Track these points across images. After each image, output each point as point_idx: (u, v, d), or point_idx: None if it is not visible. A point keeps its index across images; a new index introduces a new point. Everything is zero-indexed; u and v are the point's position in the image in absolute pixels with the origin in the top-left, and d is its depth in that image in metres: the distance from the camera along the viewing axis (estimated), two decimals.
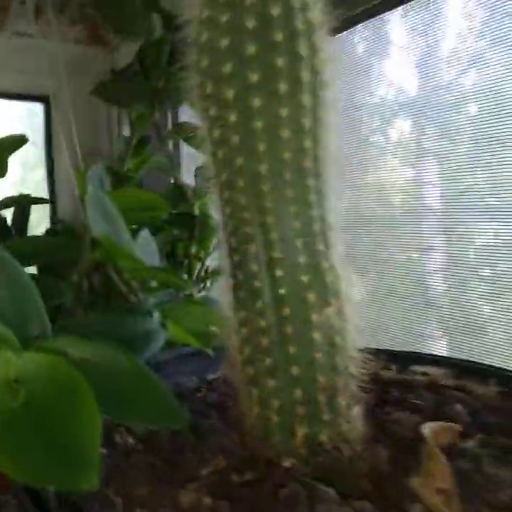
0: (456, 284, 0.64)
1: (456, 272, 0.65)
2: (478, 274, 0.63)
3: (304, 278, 0.28)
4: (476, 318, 0.62)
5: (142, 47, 0.83)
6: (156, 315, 0.43)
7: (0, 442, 0.23)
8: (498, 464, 0.29)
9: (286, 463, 0.29)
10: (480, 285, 0.62)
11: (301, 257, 0.28)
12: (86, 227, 0.51)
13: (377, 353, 0.45)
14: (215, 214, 0.32)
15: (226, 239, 0.29)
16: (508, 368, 0.40)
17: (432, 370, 0.42)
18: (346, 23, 0.72)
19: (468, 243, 0.64)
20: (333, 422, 0.29)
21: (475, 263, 0.63)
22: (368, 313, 0.76)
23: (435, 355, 0.44)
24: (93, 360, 0.28)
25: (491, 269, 0.61)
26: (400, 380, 0.42)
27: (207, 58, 0.27)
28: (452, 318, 0.65)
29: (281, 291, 0.28)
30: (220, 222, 0.30)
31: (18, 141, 0.77)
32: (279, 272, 0.28)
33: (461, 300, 0.64)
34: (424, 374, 0.42)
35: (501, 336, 0.58)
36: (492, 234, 0.61)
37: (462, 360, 0.42)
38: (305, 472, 0.28)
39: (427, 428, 0.30)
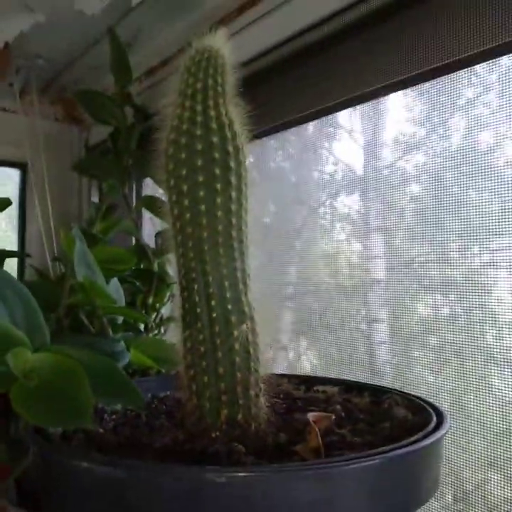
0: (401, 353, 0.68)
1: (401, 342, 0.68)
2: (422, 344, 0.66)
3: (229, 306, 0.42)
4: (421, 387, 0.65)
5: (115, 131, 0.99)
6: (122, 342, 0.56)
7: (26, 406, 0.36)
8: (355, 437, 0.43)
9: (213, 435, 0.42)
10: (424, 355, 0.65)
11: (228, 293, 0.42)
12: (67, 275, 0.64)
13: (290, 377, 0.59)
14: (172, 265, 0.46)
15: (179, 280, 0.44)
16: (380, 385, 0.55)
17: (329, 389, 0.57)
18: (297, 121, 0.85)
19: (412, 314, 0.68)
20: (245, 406, 0.42)
21: (418, 333, 0.66)
22: None
23: (332, 378, 0.58)
24: (84, 359, 0.41)
25: (434, 339, 0.64)
26: (306, 396, 0.56)
27: (171, 164, 0.43)
28: (398, 387, 0.65)
29: (214, 314, 0.42)
30: (176, 269, 0.44)
31: (3, 203, 0.90)
32: (213, 302, 0.42)
33: (406, 369, 0.67)
34: (324, 391, 0.57)
35: (445, 405, 0.61)
36: (434, 305, 0.65)
37: (350, 381, 0.57)
38: (226, 440, 0.41)
39: (311, 416, 0.44)
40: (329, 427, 0.45)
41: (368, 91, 0.68)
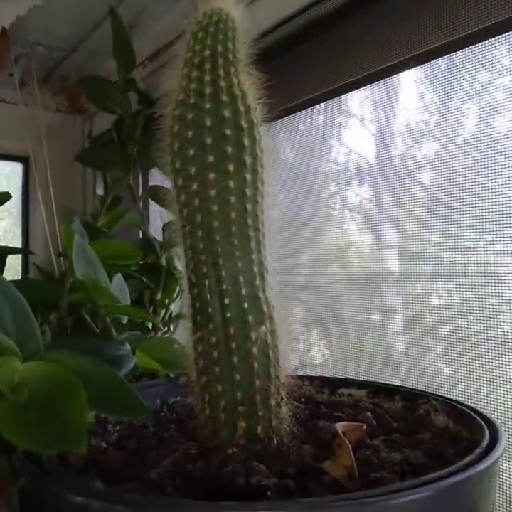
0: (415, 344, 0.66)
1: (415, 332, 0.67)
2: (435, 334, 0.64)
3: (245, 305, 0.37)
4: (435, 377, 0.63)
5: (119, 119, 0.94)
6: (127, 345, 0.51)
7: (13, 427, 0.31)
8: (392, 451, 0.37)
9: (229, 451, 0.37)
10: (438, 345, 0.63)
11: (243, 289, 0.37)
12: (68, 273, 0.60)
13: (312, 379, 0.54)
14: (180, 258, 0.41)
15: (188, 276, 0.39)
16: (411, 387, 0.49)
17: (356, 392, 0.51)
18: (308, 103, 0.81)
19: (425, 304, 0.66)
20: (266, 418, 0.37)
21: (432, 323, 0.64)
22: (330, 372, 0.78)
23: (358, 380, 0.53)
24: (83, 367, 0.36)
25: (448, 329, 0.62)
26: (330, 401, 0.51)
27: (177, 143, 0.37)
28: (412, 378, 0.66)
29: (228, 314, 0.37)
30: (184, 263, 0.39)
31: (2, 197, 0.85)
32: (226, 300, 0.37)
33: (420, 359, 0.66)
34: (349, 395, 0.51)
35: (459, 396, 0.59)
36: (448, 295, 0.64)
37: (378, 383, 0.52)
38: (244, 457, 0.36)
39: (339, 426, 0.39)
40: (361, 438, 0.40)
41: (389, 65, 0.62)
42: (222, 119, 0.37)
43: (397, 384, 0.52)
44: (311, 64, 0.74)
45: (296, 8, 0.69)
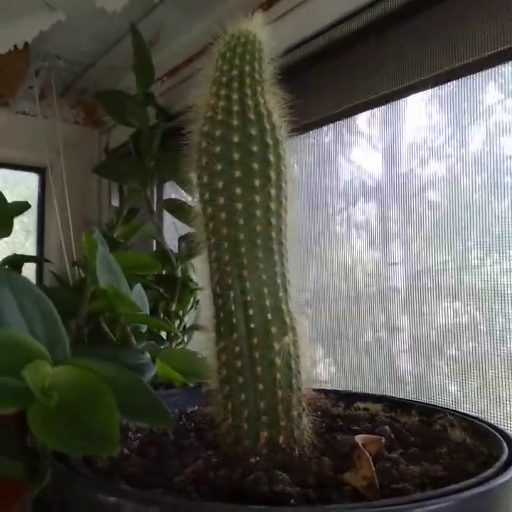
0: (422, 363, 0.67)
1: (421, 351, 0.67)
2: (442, 353, 0.64)
3: (269, 316, 0.38)
4: (442, 396, 0.64)
5: (137, 132, 0.96)
6: (147, 354, 0.52)
7: (43, 429, 0.32)
8: (411, 464, 0.38)
9: (252, 460, 0.37)
10: (444, 364, 0.64)
11: (267, 300, 0.38)
12: (88, 281, 0.61)
13: (328, 393, 0.55)
14: (198, 270, 0.42)
15: (212, 287, 0.40)
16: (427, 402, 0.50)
17: (372, 406, 0.52)
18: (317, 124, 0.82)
19: (432, 323, 0.66)
20: (288, 428, 0.38)
21: (438, 343, 0.65)
22: None
23: (374, 394, 0.53)
24: (108, 373, 0.37)
25: (455, 349, 0.63)
26: (346, 414, 0.52)
27: (205, 159, 0.39)
28: (418, 396, 0.66)
29: (252, 325, 0.38)
30: (208, 275, 0.40)
31: (22, 207, 0.87)
32: (250, 311, 0.38)
33: (427, 379, 0.66)
34: (365, 409, 0.52)
35: None
36: (454, 313, 0.64)
37: (394, 398, 0.52)
38: (267, 466, 0.37)
39: (359, 438, 0.40)
40: (379, 451, 0.40)
41: (412, 83, 0.63)
42: (249, 137, 0.38)
43: (412, 399, 0.52)
44: (330, 83, 0.75)
45: (313, 30, 0.71)
